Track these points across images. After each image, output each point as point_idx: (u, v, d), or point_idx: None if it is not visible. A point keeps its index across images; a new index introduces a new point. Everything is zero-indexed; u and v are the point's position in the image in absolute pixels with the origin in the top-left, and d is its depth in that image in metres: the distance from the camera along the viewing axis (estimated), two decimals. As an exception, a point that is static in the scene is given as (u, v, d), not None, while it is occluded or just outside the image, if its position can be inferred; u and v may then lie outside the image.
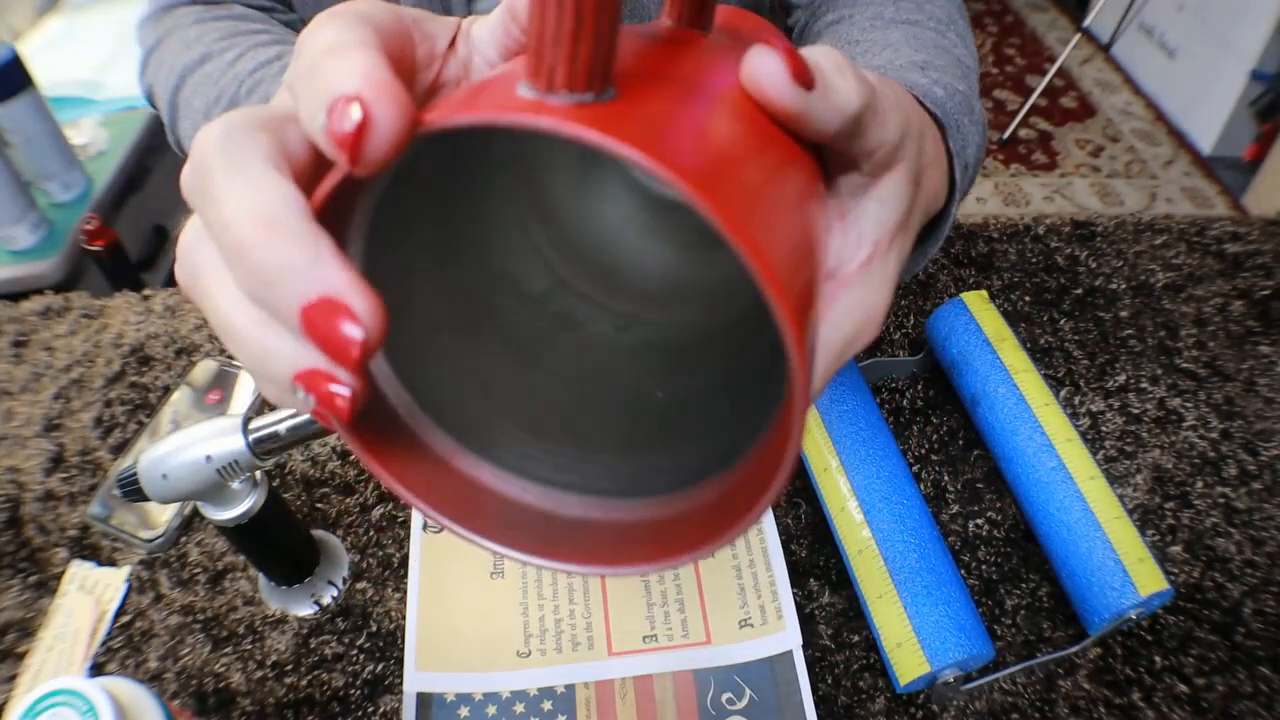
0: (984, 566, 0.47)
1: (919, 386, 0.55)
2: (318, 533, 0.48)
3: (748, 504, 0.18)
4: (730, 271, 0.27)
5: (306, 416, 0.39)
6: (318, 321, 0.16)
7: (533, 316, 0.27)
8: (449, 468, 0.23)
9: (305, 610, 0.46)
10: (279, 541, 0.44)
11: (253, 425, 0.39)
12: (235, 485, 0.40)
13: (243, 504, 0.40)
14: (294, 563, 0.45)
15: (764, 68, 0.19)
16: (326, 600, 0.46)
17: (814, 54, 0.20)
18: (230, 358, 0.58)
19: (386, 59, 0.17)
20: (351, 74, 0.16)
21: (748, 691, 0.42)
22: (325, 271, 0.16)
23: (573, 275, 0.28)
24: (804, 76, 0.19)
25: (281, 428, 0.39)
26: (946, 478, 0.50)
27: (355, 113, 0.16)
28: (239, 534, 0.42)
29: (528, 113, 0.15)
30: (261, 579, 0.47)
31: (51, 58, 1.33)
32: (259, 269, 0.16)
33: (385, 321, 0.16)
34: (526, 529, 0.22)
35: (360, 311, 0.16)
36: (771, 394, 0.21)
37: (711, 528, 0.19)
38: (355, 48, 0.18)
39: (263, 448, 0.39)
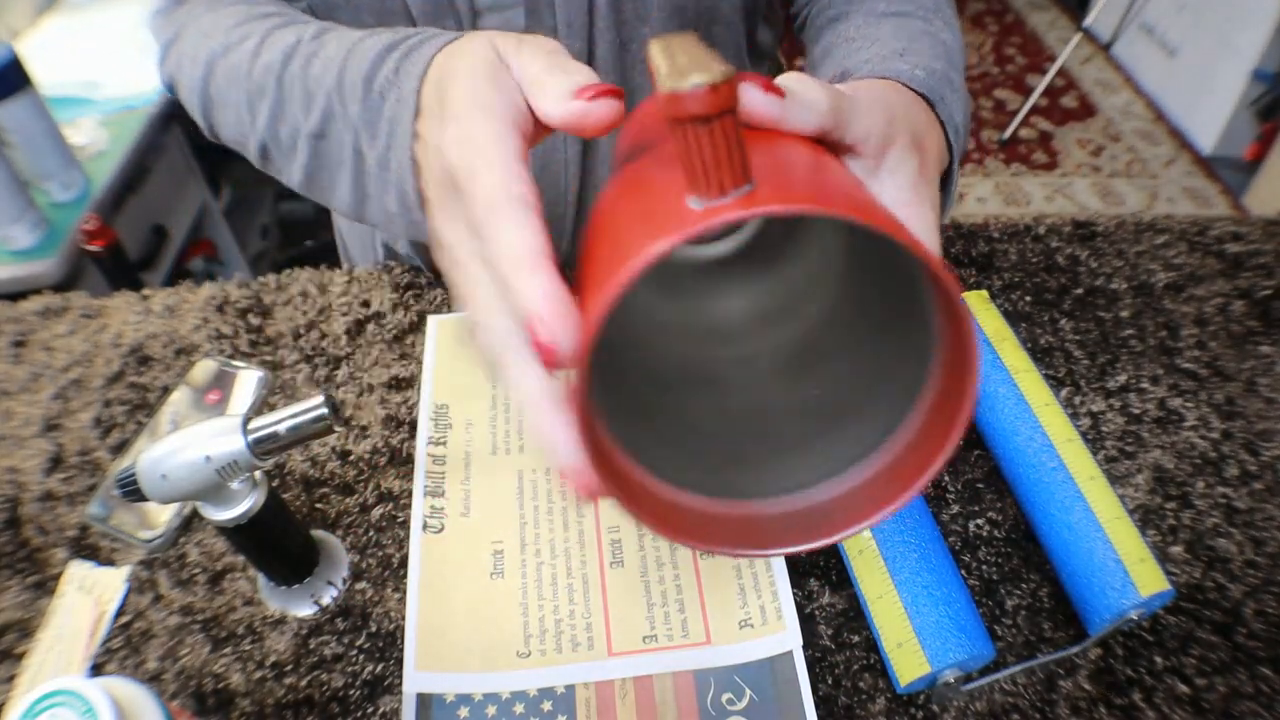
0: (984, 566, 0.47)
1: (919, 386, 0.55)
2: (318, 533, 0.48)
3: (934, 448, 0.25)
4: (844, 271, 0.32)
5: (306, 418, 0.39)
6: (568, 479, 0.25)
7: (724, 365, 0.33)
8: (675, 500, 0.28)
9: (305, 610, 0.46)
10: (279, 542, 0.44)
11: (252, 425, 0.39)
12: (234, 485, 0.40)
13: (242, 504, 0.40)
14: (294, 563, 0.45)
15: (749, 95, 0.26)
16: (326, 600, 0.46)
17: (783, 77, 0.28)
18: (230, 358, 0.58)
19: (552, 265, 0.24)
20: (535, 298, 0.23)
21: (748, 692, 0.42)
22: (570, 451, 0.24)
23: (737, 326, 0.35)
24: (774, 91, 0.26)
25: (281, 428, 0.39)
26: (946, 478, 0.50)
27: (544, 336, 0.23)
28: (238, 534, 0.41)
29: (733, 210, 0.21)
30: (261, 579, 0.47)
31: (51, 58, 1.33)
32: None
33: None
34: (731, 532, 0.27)
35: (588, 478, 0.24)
36: (898, 359, 0.27)
37: (902, 479, 0.26)
38: (529, 257, 0.24)
39: (262, 448, 0.39)
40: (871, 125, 0.30)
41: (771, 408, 0.32)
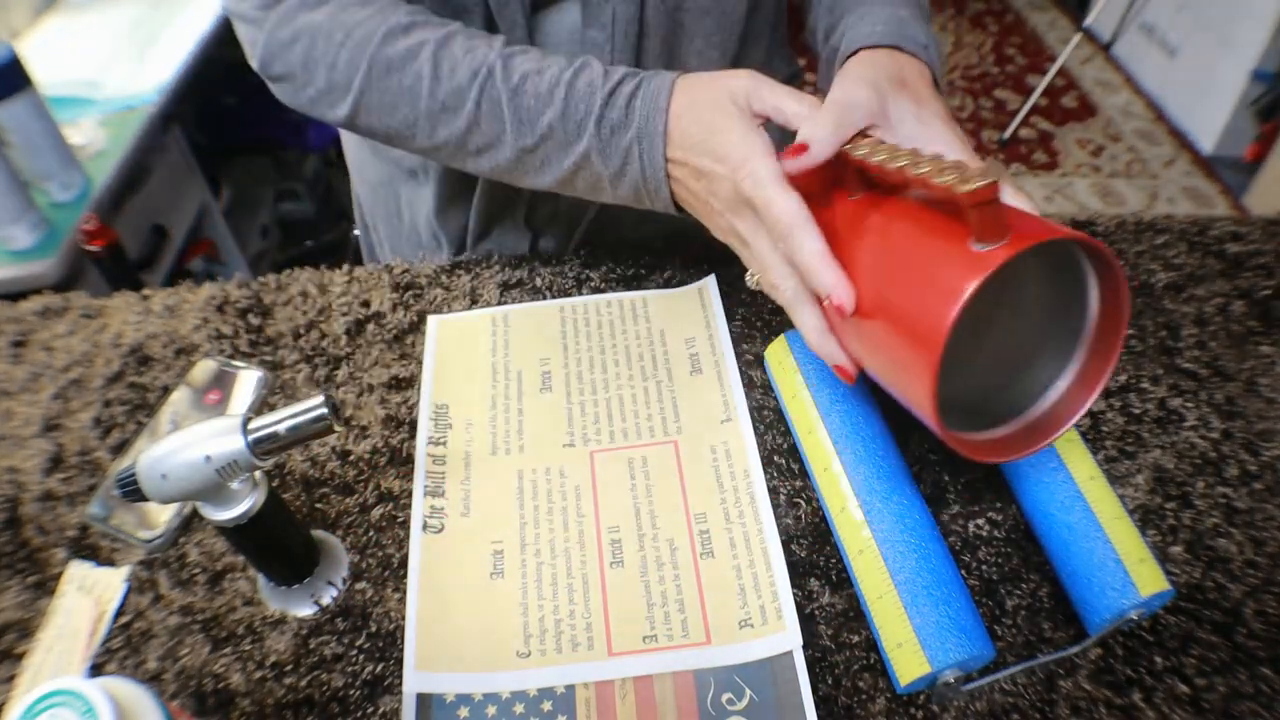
0: (984, 567, 0.47)
1: (919, 386, 0.55)
2: (318, 533, 0.48)
3: (1102, 365, 0.40)
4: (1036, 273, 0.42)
5: (306, 418, 0.39)
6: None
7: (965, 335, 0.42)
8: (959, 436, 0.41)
9: (305, 611, 0.46)
10: (279, 542, 0.44)
11: (252, 425, 0.39)
12: (234, 485, 0.40)
13: (242, 504, 0.40)
14: (294, 563, 0.45)
15: (792, 166, 0.43)
16: (326, 600, 0.46)
17: (802, 132, 0.43)
18: (230, 358, 0.58)
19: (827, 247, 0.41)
20: (832, 282, 0.40)
21: (748, 692, 0.42)
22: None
23: None
24: (800, 149, 0.42)
25: (281, 428, 0.39)
26: (946, 478, 0.50)
27: (838, 301, 0.40)
28: (238, 534, 0.41)
29: (1013, 248, 0.33)
30: (260, 579, 0.47)
31: (51, 58, 1.33)
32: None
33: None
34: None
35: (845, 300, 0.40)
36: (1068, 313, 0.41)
37: (1087, 387, 0.41)
38: (824, 256, 0.41)
39: (262, 448, 0.39)
40: (866, 103, 0.43)
41: (996, 360, 0.43)
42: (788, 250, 0.42)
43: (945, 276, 0.35)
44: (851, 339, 0.42)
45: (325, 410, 0.39)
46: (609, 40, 0.55)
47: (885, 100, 0.44)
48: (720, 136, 0.44)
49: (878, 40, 0.49)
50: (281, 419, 0.39)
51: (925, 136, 0.44)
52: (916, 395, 0.37)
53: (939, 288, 0.35)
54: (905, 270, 0.38)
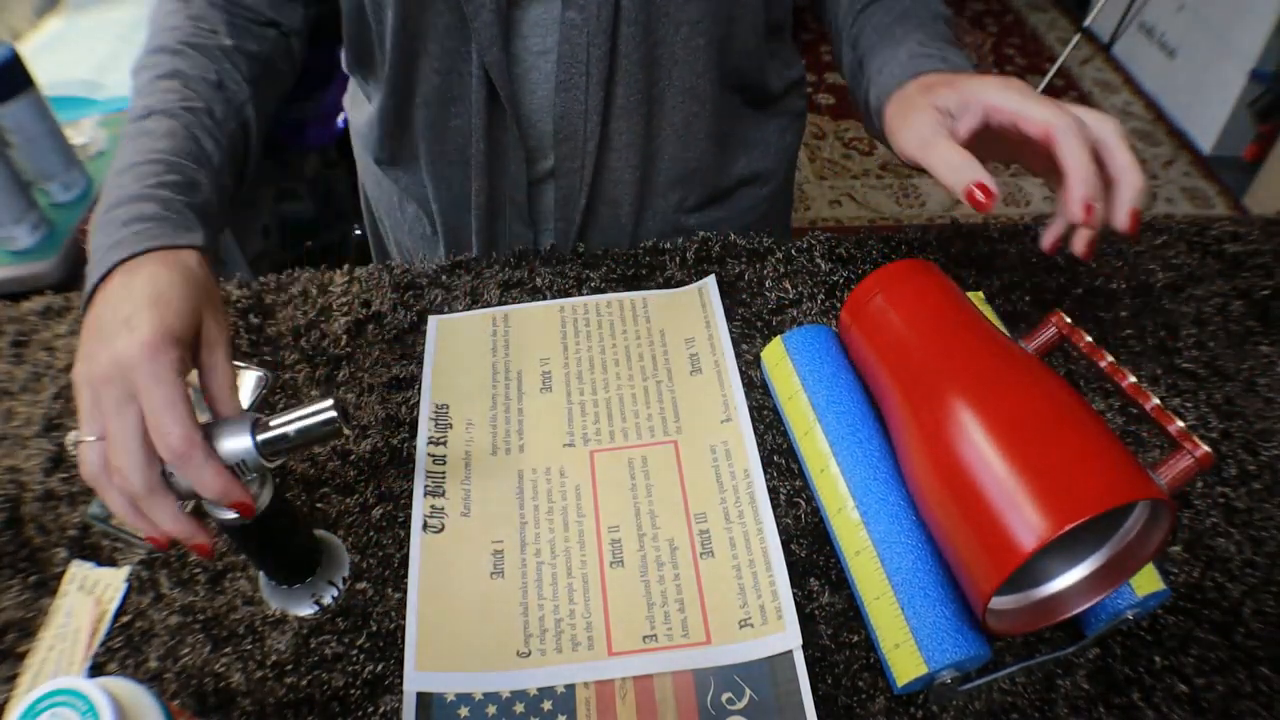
0: (984, 566, 0.47)
1: (919, 386, 0.55)
2: (320, 533, 0.48)
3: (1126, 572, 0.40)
4: None
5: (315, 420, 0.39)
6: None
7: None
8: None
9: (305, 610, 0.46)
10: (283, 541, 0.44)
11: (261, 426, 0.39)
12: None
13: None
14: (296, 563, 0.45)
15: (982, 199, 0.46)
16: (327, 600, 0.46)
17: (945, 177, 0.46)
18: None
19: None
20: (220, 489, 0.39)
21: (748, 691, 0.42)
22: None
23: None
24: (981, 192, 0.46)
25: (290, 429, 0.39)
26: (946, 478, 0.50)
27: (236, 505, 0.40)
28: (242, 533, 0.42)
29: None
30: (261, 578, 0.47)
31: (51, 58, 1.33)
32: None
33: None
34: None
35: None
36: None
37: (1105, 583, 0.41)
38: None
39: (270, 449, 0.39)
40: (933, 120, 0.47)
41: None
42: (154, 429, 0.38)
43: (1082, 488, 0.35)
44: (937, 466, 0.41)
45: (334, 414, 0.39)
46: (586, 23, 0.55)
47: (933, 102, 0.47)
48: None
49: (898, 82, 0.52)
50: (291, 420, 0.39)
51: (972, 91, 0.46)
52: (977, 566, 0.38)
53: (1073, 495, 0.35)
54: (1040, 456, 0.37)
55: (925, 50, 0.54)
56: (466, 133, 0.62)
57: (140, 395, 0.38)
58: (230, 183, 0.51)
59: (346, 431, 0.40)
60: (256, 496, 0.40)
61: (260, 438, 0.39)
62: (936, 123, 0.47)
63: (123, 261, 0.42)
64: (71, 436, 0.41)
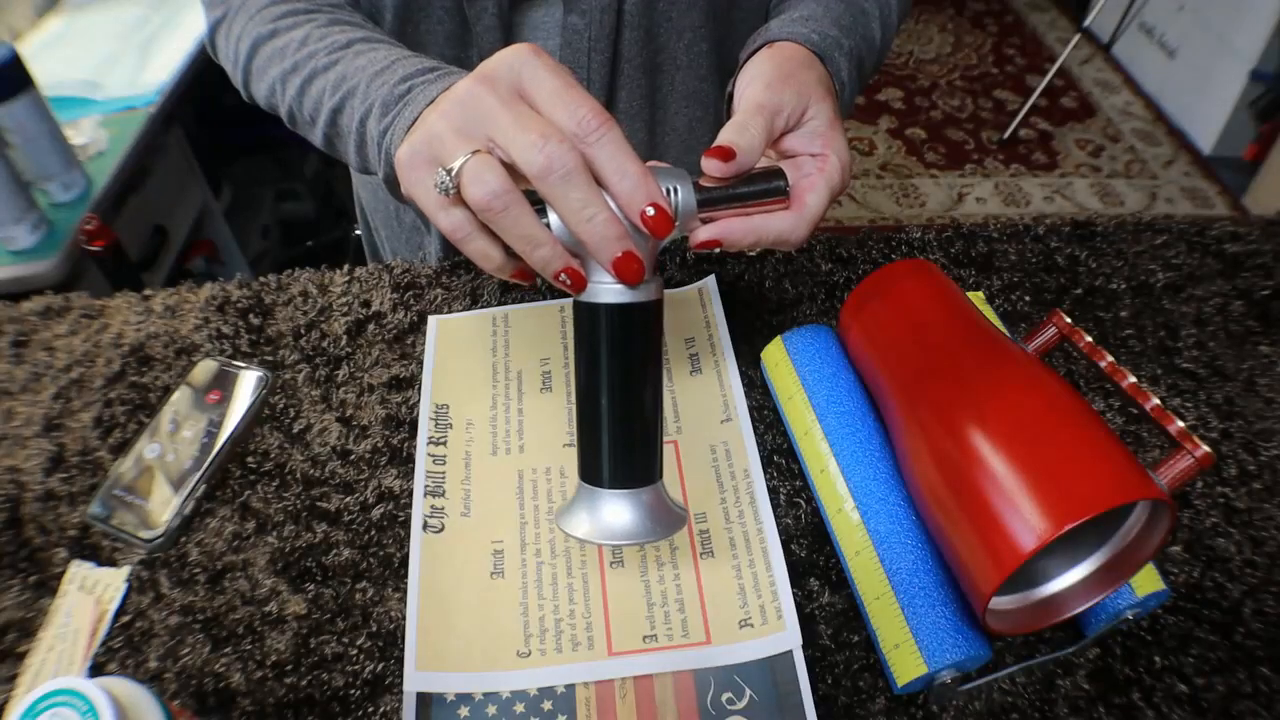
0: (984, 566, 0.47)
1: (919, 386, 0.55)
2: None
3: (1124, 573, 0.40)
4: None
5: (763, 186, 0.40)
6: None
7: None
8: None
9: (644, 538, 0.35)
10: (647, 390, 0.34)
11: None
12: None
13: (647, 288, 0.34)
14: (649, 440, 0.35)
15: (711, 166, 0.38)
16: (666, 530, 0.36)
17: (724, 132, 0.39)
18: (231, 358, 0.58)
19: None
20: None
21: (748, 691, 0.42)
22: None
23: None
24: (726, 154, 0.38)
25: (737, 190, 0.39)
26: (946, 478, 0.50)
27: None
28: (611, 336, 0.33)
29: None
30: (579, 482, 0.37)
31: (51, 58, 1.33)
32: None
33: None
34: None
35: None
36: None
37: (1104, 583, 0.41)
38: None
39: (707, 195, 0.38)
40: (789, 106, 0.42)
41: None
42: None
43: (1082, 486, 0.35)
44: (937, 462, 0.40)
45: (783, 183, 0.39)
46: (588, 28, 0.55)
47: (808, 105, 0.43)
48: None
49: (812, 47, 0.48)
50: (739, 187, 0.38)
51: (806, 133, 0.43)
52: (976, 565, 0.37)
53: (1075, 494, 0.35)
54: (1043, 451, 0.37)
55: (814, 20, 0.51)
56: None
57: (528, 86, 0.34)
58: None
59: (787, 190, 0.39)
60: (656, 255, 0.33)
61: (700, 183, 0.36)
62: (788, 116, 0.43)
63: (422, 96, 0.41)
64: (438, 175, 0.35)
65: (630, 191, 0.32)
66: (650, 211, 0.32)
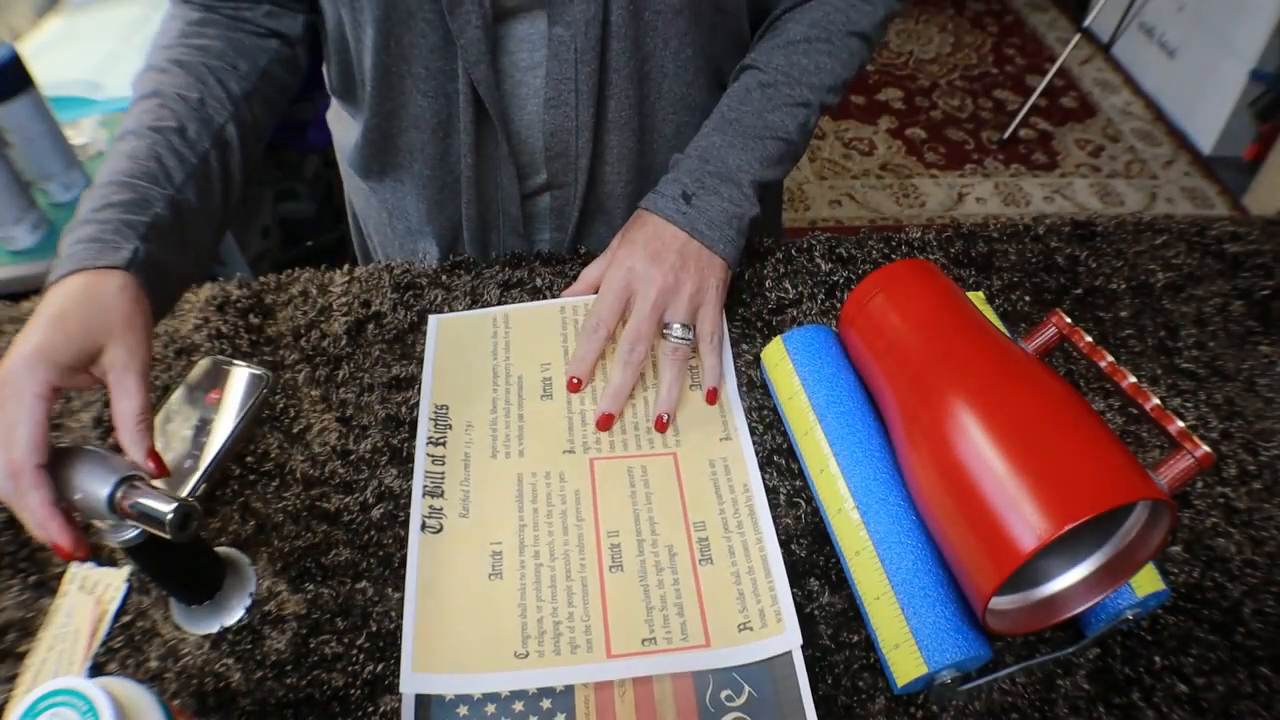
0: (984, 567, 0.47)
1: (919, 387, 0.55)
2: (225, 550, 0.48)
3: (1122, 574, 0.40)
4: None
5: (156, 513, 0.39)
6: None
7: None
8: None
9: (209, 630, 0.45)
10: (180, 562, 0.43)
11: (124, 488, 0.39)
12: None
13: (135, 528, 0.40)
14: (198, 582, 0.44)
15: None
16: (231, 621, 0.45)
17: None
18: (231, 358, 0.58)
19: None
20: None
21: (746, 688, 0.42)
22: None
23: None
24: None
25: (132, 502, 0.38)
26: (946, 478, 0.50)
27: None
28: (135, 554, 0.41)
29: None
30: (172, 601, 0.46)
31: (51, 58, 1.33)
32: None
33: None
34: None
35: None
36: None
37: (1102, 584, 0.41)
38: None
39: (118, 513, 0.39)
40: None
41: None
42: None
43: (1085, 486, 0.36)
44: (939, 463, 0.41)
45: (173, 516, 0.38)
46: (574, 39, 0.55)
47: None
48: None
49: (650, 208, 0.58)
50: (143, 499, 0.38)
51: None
52: (977, 563, 0.38)
53: (1076, 495, 0.35)
54: (1049, 451, 0.38)
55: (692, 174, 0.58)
56: (456, 151, 0.62)
57: None
58: (196, 199, 0.51)
59: (179, 539, 0.39)
60: (108, 534, 0.40)
61: (120, 495, 0.38)
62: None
63: (54, 283, 0.44)
64: None
65: (33, 530, 0.39)
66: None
